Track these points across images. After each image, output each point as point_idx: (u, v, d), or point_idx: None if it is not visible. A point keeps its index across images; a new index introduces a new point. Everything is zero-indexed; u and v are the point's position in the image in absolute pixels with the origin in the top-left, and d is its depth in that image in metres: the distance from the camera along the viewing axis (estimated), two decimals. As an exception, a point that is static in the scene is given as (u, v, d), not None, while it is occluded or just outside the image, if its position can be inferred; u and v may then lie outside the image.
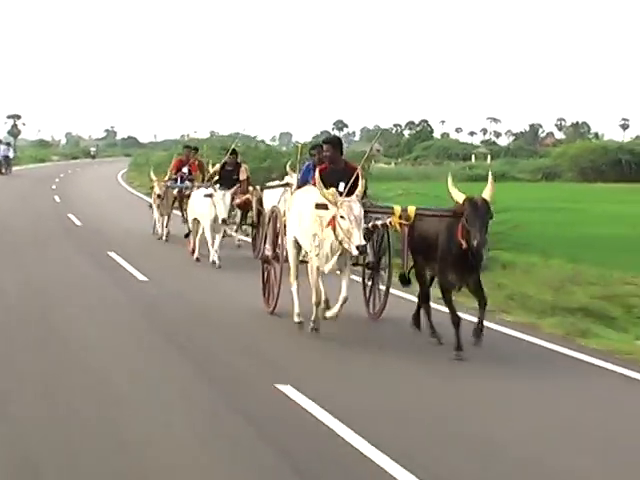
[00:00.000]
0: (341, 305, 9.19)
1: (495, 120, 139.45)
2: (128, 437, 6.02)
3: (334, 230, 8.85)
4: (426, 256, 9.51)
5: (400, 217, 9.52)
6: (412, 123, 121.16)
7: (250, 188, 15.32)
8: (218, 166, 15.89)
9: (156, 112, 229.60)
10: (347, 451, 5.88)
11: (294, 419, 6.50)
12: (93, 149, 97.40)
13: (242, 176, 15.49)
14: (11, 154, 47.18)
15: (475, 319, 9.02)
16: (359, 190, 9.11)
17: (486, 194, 9.01)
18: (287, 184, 13.76)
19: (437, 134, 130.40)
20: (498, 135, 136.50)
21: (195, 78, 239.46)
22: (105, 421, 6.29)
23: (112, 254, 15.07)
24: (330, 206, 8.89)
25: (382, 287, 10.50)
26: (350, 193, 9.12)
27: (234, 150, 16.02)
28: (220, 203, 13.90)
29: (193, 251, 15.18)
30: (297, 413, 6.62)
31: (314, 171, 9.97)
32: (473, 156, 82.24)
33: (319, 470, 5.61)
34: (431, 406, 7.18)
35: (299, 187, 10.54)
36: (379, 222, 9.84)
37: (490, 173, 9.70)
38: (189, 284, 12.67)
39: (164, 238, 17.60)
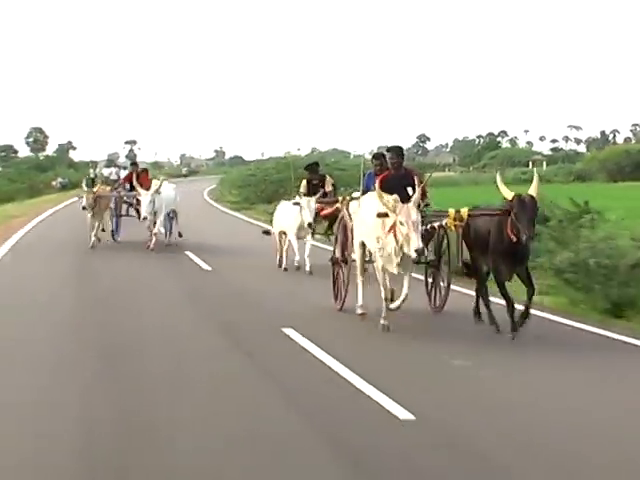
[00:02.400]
0: (402, 301, 9.81)
1: (576, 128, 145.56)
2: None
3: (395, 236, 9.41)
4: (482, 251, 10.18)
5: (454, 219, 10.29)
6: (492, 134, 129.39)
7: (340, 198, 14.24)
8: (303, 187, 16.11)
9: (262, 132, 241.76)
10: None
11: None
12: (185, 169, 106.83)
13: (327, 188, 16.06)
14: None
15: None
16: (415, 197, 9.60)
17: (532, 191, 9.72)
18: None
19: (522, 142, 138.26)
20: (579, 142, 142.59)
21: (298, 98, 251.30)
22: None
23: (190, 254, 17.75)
24: (390, 214, 9.42)
25: (442, 284, 11.18)
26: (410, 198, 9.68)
27: (312, 166, 16.85)
28: (306, 208, 14.81)
29: (280, 261, 15.99)
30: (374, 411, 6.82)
31: (375, 179, 10.69)
32: (530, 163, 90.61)
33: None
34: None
35: (363, 193, 11.22)
36: (436, 224, 10.58)
37: (535, 173, 10.30)
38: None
39: (91, 244, 18.73)
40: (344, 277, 11.28)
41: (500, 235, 9.70)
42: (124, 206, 20.65)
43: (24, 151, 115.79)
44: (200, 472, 5.50)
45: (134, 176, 19.70)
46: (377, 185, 9.84)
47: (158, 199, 18.52)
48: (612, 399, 7.43)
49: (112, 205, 20.20)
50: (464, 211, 10.28)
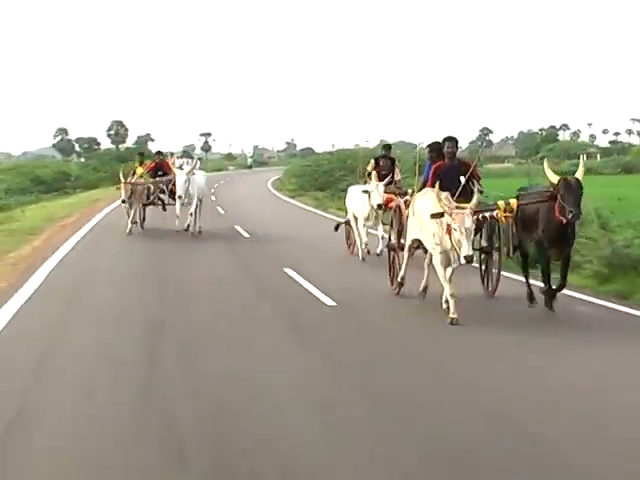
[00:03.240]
0: (453, 301, 9.66)
1: (639, 121, 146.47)
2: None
3: (450, 236, 9.54)
4: (529, 233, 10.52)
5: (505, 210, 10.48)
6: (553, 127, 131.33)
7: (410, 191, 13.49)
8: (371, 167, 15.74)
9: (333, 124, 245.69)
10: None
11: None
12: (250, 160, 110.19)
13: (397, 177, 15.74)
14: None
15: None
16: (474, 202, 9.74)
17: (579, 174, 10.03)
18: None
19: (585, 135, 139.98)
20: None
21: (368, 90, 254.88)
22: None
23: (238, 227, 21.39)
24: (447, 217, 9.50)
25: (494, 270, 11.45)
26: (466, 189, 10.06)
27: (387, 154, 16.05)
28: (375, 192, 14.64)
29: (350, 245, 16.60)
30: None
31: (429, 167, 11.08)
32: (584, 155, 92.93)
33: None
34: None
35: (423, 185, 11.28)
36: (487, 214, 10.61)
37: (581, 160, 10.64)
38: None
39: (129, 230, 19.52)
40: (400, 262, 11.62)
41: (549, 219, 10.02)
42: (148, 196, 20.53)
43: (106, 143, 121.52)
44: (206, 323, 9.87)
45: (155, 165, 20.59)
46: (430, 179, 10.50)
47: (192, 180, 19.36)
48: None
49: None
50: (513, 202, 10.60)
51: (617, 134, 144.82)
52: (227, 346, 8.65)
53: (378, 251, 15.43)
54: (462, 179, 10.32)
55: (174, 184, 19.60)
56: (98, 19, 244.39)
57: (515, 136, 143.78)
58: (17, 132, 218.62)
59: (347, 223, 16.89)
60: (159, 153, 22.31)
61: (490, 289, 11.53)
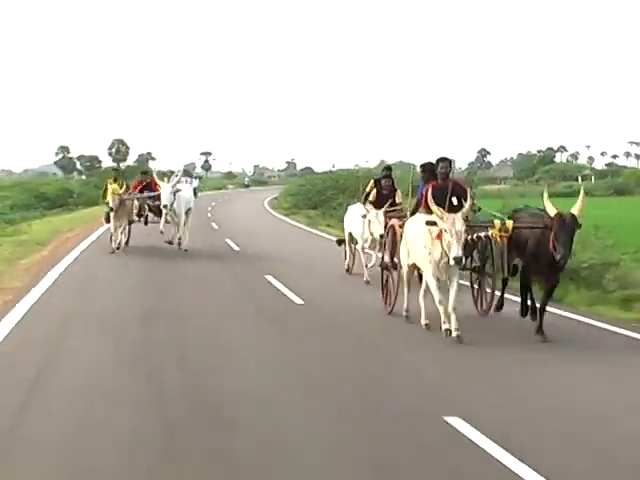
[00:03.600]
0: (454, 317, 10.06)
1: (637, 144, 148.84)
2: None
3: (441, 241, 10.01)
4: (521, 255, 10.76)
5: (500, 230, 10.60)
6: (551, 149, 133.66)
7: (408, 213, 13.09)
8: (370, 187, 15.52)
9: (334, 144, 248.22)
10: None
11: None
12: (247, 179, 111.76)
13: (398, 199, 15.20)
14: (195, 184, 66.41)
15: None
16: (465, 209, 10.30)
17: (575, 209, 10.09)
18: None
19: (584, 157, 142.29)
20: (639, 157, 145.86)
21: (370, 111, 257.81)
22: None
23: (228, 240, 23.54)
24: (438, 221, 9.97)
25: (487, 289, 11.66)
26: (458, 208, 10.37)
27: (389, 174, 15.69)
28: (375, 221, 14.16)
29: (348, 268, 16.48)
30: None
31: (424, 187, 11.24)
32: (579, 177, 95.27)
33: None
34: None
35: (416, 205, 11.58)
36: (482, 234, 10.79)
37: (582, 190, 10.48)
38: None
39: (113, 249, 19.46)
40: (393, 282, 11.96)
41: (540, 247, 10.20)
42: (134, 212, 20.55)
43: (107, 161, 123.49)
44: (199, 302, 12.04)
45: (141, 185, 20.72)
46: (427, 193, 10.56)
47: (178, 196, 19.54)
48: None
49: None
50: (509, 223, 10.70)
51: (615, 157, 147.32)
52: (206, 322, 11.11)
53: (370, 265, 15.36)
54: (454, 200, 10.66)
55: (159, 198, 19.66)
56: (101, 40, 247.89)
57: (514, 157, 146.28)
58: (18, 149, 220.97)
59: (341, 242, 17.18)
60: (144, 173, 22.38)
61: (484, 308, 11.83)
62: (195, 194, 61.29)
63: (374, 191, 15.10)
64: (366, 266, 15.22)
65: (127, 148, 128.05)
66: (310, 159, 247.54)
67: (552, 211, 10.01)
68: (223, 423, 6.74)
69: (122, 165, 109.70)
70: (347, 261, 16.65)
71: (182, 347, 9.68)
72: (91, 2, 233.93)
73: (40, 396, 7.40)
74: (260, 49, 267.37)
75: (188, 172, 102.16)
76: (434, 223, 10.07)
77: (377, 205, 14.67)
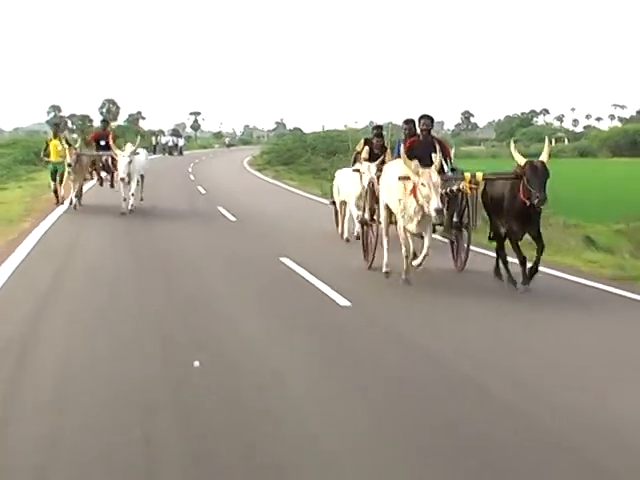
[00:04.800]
0: (423, 258, 10.63)
1: (621, 107, 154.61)
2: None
3: (415, 196, 10.31)
4: (498, 213, 11.05)
5: (470, 182, 11.03)
6: (534, 111, 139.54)
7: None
8: (360, 146, 15.67)
9: (323, 105, 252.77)
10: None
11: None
12: (228, 139, 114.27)
13: (388, 158, 14.71)
14: (181, 143, 72.94)
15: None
16: (437, 162, 10.58)
17: (543, 157, 10.44)
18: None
19: (568, 121, 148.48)
20: (622, 120, 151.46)
21: (359, 72, 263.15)
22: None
23: (222, 210, 27.19)
24: (412, 176, 10.25)
25: (464, 245, 12.03)
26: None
27: (381, 133, 15.73)
28: (367, 173, 13.74)
29: (342, 235, 16.17)
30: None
31: (403, 144, 11.66)
32: (553, 139, 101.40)
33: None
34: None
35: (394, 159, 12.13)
36: (454, 187, 11.34)
37: (547, 143, 11.02)
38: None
39: (74, 204, 19.97)
40: (372, 237, 12.36)
41: (514, 198, 10.48)
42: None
43: (98, 121, 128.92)
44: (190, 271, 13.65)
45: (97, 135, 21.60)
46: (403, 150, 10.88)
47: (134, 162, 19.45)
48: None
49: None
50: (479, 175, 11.08)
51: (599, 119, 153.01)
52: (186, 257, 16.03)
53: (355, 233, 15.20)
54: (433, 156, 10.80)
55: (115, 163, 20.04)
56: (92, 1, 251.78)
57: (502, 120, 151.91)
58: (8, 108, 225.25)
59: (333, 203, 17.50)
60: (105, 122, 23.96)
61: (459, 264, 12.22)
62: (181, 152, 68.20)
63: (366, 148, 15.00)
64: (354, 223, 14.95)
65: (117, 108, 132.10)
66: (300, 119, 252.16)
67: (522, 160, 10.44)
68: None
69: (113, 124, 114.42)
70: (340, 227, 16.71)
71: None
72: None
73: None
74: (250, 10, 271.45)
75: (177, 131, 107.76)
76: (407, 178, 10.47)
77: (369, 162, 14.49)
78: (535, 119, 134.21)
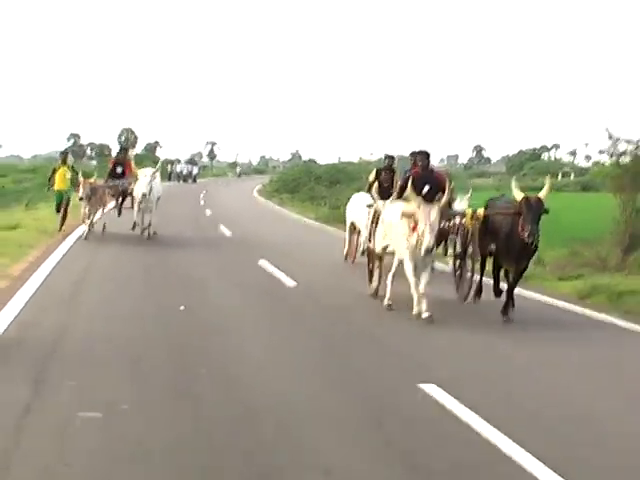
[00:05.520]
0: (425, 301, 10.94)
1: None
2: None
3: (416, 231, 10.82)
4: (492, 241, 11.74)
5: (471, 217, 11.79)
6: (545, 147, 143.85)
7: None
8: (372, 177, 16.48)
9: (339, 137, 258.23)
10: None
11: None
12: (239, 169, 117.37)
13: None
14: (195, 171, 77.83)
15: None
16: (443, 201, 11.00)
17: (542, 194, 11.01)
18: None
19: (581, 156, 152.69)
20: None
21: (374, 104, 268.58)
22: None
23: (222, 227, 30.19)
24: (415, 210, 10.77)
25: (468, 274, 12.52)
26: (434, 196, 11.19)
27: (391, 166, 16.80)
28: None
29: (347, 256, 17.51)
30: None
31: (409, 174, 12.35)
32: (560, 174, 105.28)
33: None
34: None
35: (400, 189, 12.69)
36: (457, 221, 12.14)
37: (547, 179, 11.64)
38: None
39: (85, 235, 19.82)
40: (377, 266, 12.70)
41: (511, 233, 10.99)
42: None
43: (116, 149, 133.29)
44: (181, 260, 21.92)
45: (117, 162, 21.78)
46: (410, 184, 11.23)
47: (154, 184, 20.32)
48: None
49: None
50: (480, 212, 11.66)
51: (611, 155, 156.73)
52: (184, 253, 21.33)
53: (361, 250, 16.49)
54: (426, 187, 11.56)
55: (130, 191, 20.90)
56: (113, 31, 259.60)
57: (515, 154, 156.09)
58: (26, 136, 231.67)
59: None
60: (124, 149, 24.07)
61: (464, 293, 12.60)
62: (195, 180, 72.68)
63: (376, 184, 14.94)
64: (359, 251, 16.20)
65: (136, 137, 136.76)
66: (315, 151, 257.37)
67: (519, 196, 10.95)
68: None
69: (131, 152, 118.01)
70: (346, 249, 18.00)
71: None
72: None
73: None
74: (267, 41, 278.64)
75: (193, 160, 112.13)
76: (410, 215, 10.93)
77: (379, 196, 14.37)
78: (546, 154, 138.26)
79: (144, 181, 20.13)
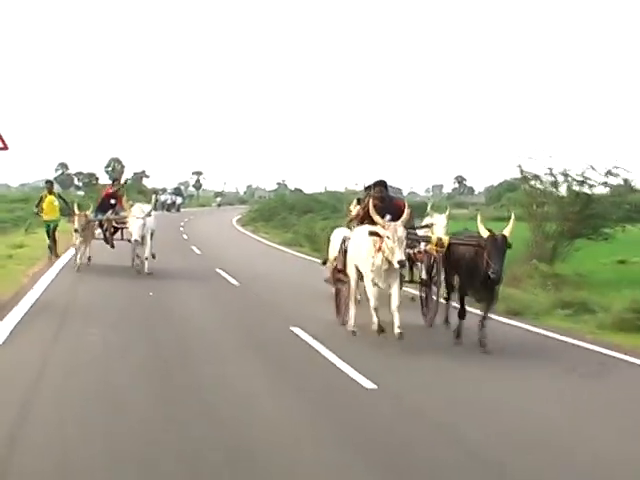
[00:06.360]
0: (397, 317, 11.32)
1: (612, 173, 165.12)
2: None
3: (382, 251, 11.38)
4: (457, 272, 12.32)
5: (436, 244, 12.24)
6: (526, 177, 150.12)
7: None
8: (358, 208, 14.58)
9: (325, 166, 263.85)
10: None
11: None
12: (219, 199, 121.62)
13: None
14: (179, 201, 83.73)
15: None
16: (404, 218, 11.55)
17: (506, 231, 11.52)
18: (431, 224, 15.45)
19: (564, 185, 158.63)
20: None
21: (359, 135, 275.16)
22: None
23: (194, 247, 39.37)
24: (381, 231, 11.35)
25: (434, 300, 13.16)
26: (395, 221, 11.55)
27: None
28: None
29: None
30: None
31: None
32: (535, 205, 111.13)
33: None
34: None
35: (357, 215, 13.69)
36: (422, 248, 12.83)
37: (513, 215, 11.96)
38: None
39: (77, 267, 20.32)
40: (344, 294, 13.22)
41: (475, 265, 11.60)
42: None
43: (104, 179, 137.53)
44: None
45: (109, 194, 22.27)
46: (371, 206, 11.99)
47: (146, 222, 20.05)
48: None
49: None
50: (445, 239, 12.34)
51: (592, 187, 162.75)
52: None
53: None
54: (387, 216, 11.81)
55: (125, 223, 21.26)
56: (99, 62, 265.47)
57: (495, 185, 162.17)
58: (14, 165, 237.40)
59: (325, 262, 15.67)
60: (116, 180, 24.82)
61: (429, 318, 13.23)
62: (178, 209, 78.24)
63: (357, 209, 14.67)
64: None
65: (123, 166, 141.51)
66: (302, 180, 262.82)
67: (484, 233, 11.39)
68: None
69: (122, 181, 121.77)
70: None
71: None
72: (90, 22, 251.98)
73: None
74: (254, 72, 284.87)
75: (179, 189, 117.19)
76: (376, 234, 11.45)
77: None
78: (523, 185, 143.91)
79: (137, 224, 19.96)
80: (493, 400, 9.07)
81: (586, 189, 28.29)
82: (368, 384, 9.31)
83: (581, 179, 28.04)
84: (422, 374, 10.27)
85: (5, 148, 19.48)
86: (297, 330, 12.77)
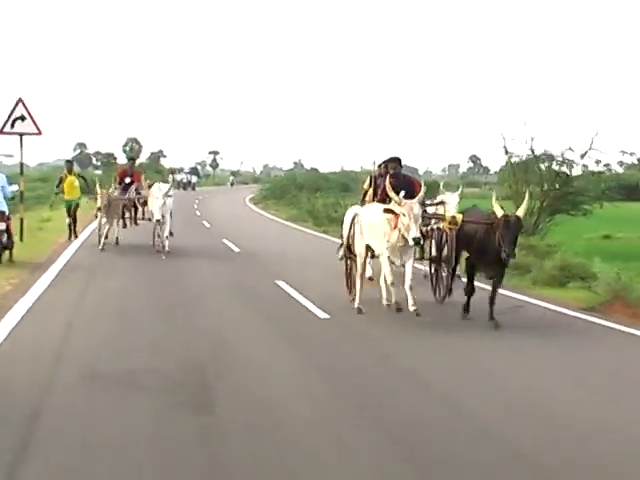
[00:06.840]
0: (411, 294, 11.33)
1: (629, 153, 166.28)
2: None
3: (397, 227, 11.39)
4: (467, 248, 12.34)
5: (450, 222, 12.32)
6: (537, 157, 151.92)
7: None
8: (367, 185, 14.78)
9: (342, 146, 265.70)
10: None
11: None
12: (232, 178, 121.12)
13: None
14: (194, 180, 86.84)
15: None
16: (420, 195, 11.82)
17: (520, 211, 11.63)
18: (442, 202, 14.67)
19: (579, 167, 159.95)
20: (628, 167, 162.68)
21: (375, 114, 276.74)
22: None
23: (205, 222, 42.62)
24: (396, 209, 11.35)
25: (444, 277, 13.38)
26: (411, 198, 11.67)
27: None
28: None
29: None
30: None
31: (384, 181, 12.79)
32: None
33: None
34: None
35: (374, 193, 13.94)
36: (435, 226, 13.14)
37: (527, 195, 12.09)
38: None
39: (102, 245, 20.96)
40: (355, 270, 13.26)
41: (486, 242, 11.67)
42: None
43: (122, 158, 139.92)
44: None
45: (125, 172, 22.52)
46: (387, 183, 12.11)
47: (167, 202, 20.27)
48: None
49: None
50: (459, 217, 12.38)
51: (607, 165, 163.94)
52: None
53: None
54: (402, 193, 11.88)
55: (144, 202, 21.47)
56: (117, 42, 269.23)
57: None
58: (32, 144, 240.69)
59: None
60: (132, 159, 25.40)
61: (441, 295, 13.37)
62: (194, 188, 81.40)
63: (367, 184, 14.86)
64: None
65: (140, 146, 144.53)
66: (318, 159, 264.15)
67: (499, 212, 11.44)
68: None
69: (137, 162, 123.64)
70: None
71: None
72: (108, 3, 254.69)
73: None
74: (272, 51, 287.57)
75: (195, 169, 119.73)
76: (391, 211, 11.51)
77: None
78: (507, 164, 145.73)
79: (157, 204, 20.11)
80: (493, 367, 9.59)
81: (565, 168, 32.01)
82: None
83: (561, 160, 31.97)
84: (431, 348, 10.53)
85: (39, 133, 22.68)
86: (280, 282, 15.88)
